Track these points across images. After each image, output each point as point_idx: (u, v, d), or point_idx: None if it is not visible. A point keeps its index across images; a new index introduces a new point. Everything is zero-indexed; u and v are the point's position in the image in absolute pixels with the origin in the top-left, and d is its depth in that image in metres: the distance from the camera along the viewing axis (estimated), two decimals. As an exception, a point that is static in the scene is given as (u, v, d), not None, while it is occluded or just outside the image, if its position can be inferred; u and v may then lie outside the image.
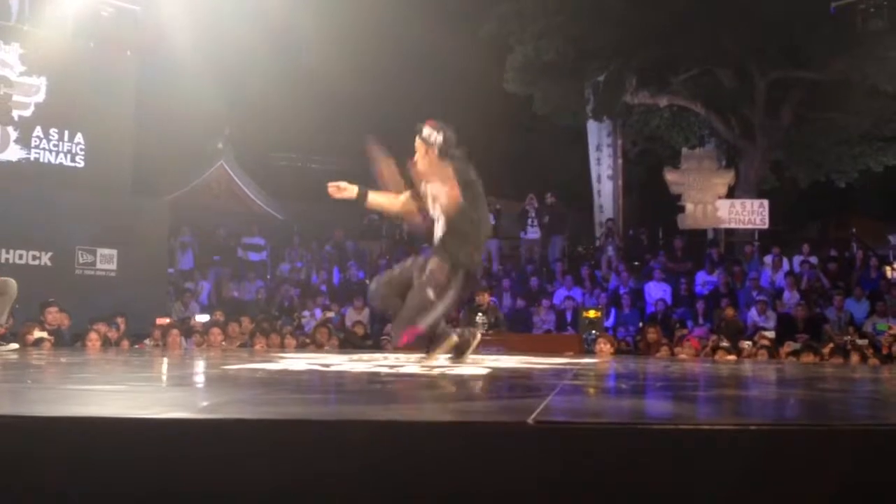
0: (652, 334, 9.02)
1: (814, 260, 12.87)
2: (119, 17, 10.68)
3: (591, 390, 3.10)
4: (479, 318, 9.34)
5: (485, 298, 9.76)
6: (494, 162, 17.87)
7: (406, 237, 15.08)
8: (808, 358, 7.31)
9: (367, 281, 13.97)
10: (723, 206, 14.60)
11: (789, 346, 8.56)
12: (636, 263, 14.14)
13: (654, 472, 1.63)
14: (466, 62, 16.51)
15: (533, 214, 14.72)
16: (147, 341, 8.48)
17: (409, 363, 4.13)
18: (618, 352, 8.31)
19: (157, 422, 1.76)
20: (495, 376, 3.63)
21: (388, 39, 16.42)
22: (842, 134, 15.52)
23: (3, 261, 9.16)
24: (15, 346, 5.72)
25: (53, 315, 8.13)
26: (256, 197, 17.53)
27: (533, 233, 14.72)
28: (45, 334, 7.47)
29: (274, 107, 16.55)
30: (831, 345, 8.16)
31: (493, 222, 14.61)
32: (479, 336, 4.49)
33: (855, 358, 7.42)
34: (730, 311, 10.33)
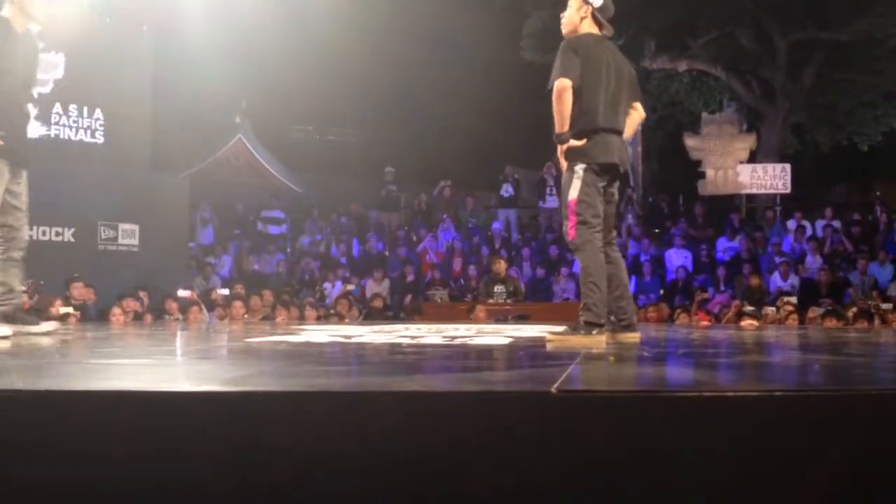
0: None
1: (837, 224, 12.74)
2: (134, -9, 10.67)
3: (613, 359, 3.10)
4: (498, 288, 9.33)
5: (503, 268, 9.74)
6: (511, 131, 17.78)
7: (424, 208, 15.05)
8: (832, 323, 7.25)
9: (387, 252, 13.97)
10: (744, 171, 14.44)
11: (813, 311, 8.50)
12: (656, 230, 14.05)
13: (677, 439, 1.63)
14: (482, 31, 16.31)
15: (551, 183, 14.63)
16: (166, 316, 8.55)
17: (430, 334, 4.14)
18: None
19: (184, 395, 1.78)
20: (517, 346, 3.64)
21: (403, 9, 16.25)
22: (864, 95, 15.23)
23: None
24: (49, 326, 4.59)
25: (79, 290, 8.21)
26: (275, 170, 17.48)
27: (552, 201, 14.65)
28: (70, 309, 7.55)
29: (290, 79, 16.46)
30: (855, 309, 8.08)
31: (510, 192, 14.65)
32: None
33: (879, 322, 7.36)
34: (755, 280, 10.26)
